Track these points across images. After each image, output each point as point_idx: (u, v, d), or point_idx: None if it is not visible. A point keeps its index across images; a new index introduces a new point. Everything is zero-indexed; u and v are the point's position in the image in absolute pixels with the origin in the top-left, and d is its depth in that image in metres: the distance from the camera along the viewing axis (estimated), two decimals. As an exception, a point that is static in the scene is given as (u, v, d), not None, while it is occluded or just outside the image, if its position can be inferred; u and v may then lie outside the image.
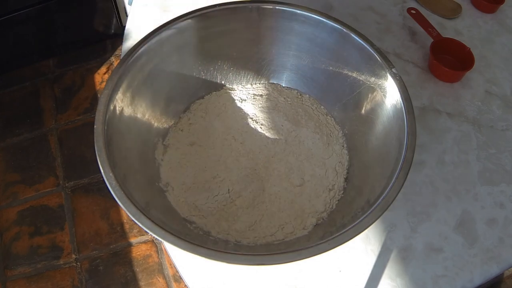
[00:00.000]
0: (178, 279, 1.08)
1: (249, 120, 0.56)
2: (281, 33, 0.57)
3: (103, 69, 1.45)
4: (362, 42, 0.52)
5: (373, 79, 0.52)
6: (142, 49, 0.50)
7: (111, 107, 0.46)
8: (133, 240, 1.13)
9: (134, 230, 1.15)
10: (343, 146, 0.55)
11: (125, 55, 0.49)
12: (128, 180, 0.43)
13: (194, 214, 0.49)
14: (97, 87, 1.41)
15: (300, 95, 0.60)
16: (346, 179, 0.53)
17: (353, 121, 0.56)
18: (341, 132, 0.57)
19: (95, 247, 1.12)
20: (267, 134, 0.55)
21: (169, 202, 0.50)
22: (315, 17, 0.54)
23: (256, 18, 0.56)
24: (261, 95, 0.59)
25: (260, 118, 0.57)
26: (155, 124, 0.54)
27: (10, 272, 1.09)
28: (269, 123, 0.56)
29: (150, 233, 0.38)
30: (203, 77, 0.59)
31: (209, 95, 0.60)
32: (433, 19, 0.73)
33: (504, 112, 0.64)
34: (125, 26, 0.72)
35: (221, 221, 0.48)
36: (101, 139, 0.43)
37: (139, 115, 0.51)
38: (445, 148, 0.59)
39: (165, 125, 0.56)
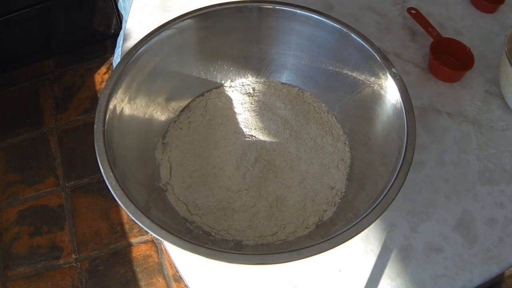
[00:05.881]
0: (178, 279, 1.08)
1: (250, 118, 0.56)
2: (281, 33, 0.57)
3: (103, 69, 1.45)
4: (362, 42, 0.52)
5: (373, 79, 0.52)
6: (142, 49, 0.50)
7: (111, 107, 0.46)
8: (133, 240, 1.13)
9: (134, 230, 1.15)
10: (345, 143, 0.55)
11: (125, 55, 0.49)
12: (128, 179, 0.43)
13: (194, 213, 0.49)
14: (97, 87, 1.41)
15: (302, 92, 0.60)
16: (347, 178, 0.53)
17: (353, 121, 0.56)
18: (342, 130, 0.57)
19: (95, 247, 1.12)
20: (268, 132, 0.55)
21: (169, 202, 0.50)
22: (315, 17, 0.54)
23: (256, 18, 0.56)
24: (261, 93, 0.59)
25: (260, 116, 0.56)
26: (155, 124, 0.54)
27: (10, 272, 1.09)
28: (270, 121, 0.56)
29: (150, 232, 0.38)
30: (203, 77, 0.59)
31: (208, 92, 0.60)
32: (433, 19, 0.73)
33: (504, 112, 0.64)
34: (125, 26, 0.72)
35: (221, 220, 0.48)
36: (101, 139, 0.43)
37: (139, 115, 0.51)
38: (445, 148, 0.59)
39: (165, 125, 0.56)
